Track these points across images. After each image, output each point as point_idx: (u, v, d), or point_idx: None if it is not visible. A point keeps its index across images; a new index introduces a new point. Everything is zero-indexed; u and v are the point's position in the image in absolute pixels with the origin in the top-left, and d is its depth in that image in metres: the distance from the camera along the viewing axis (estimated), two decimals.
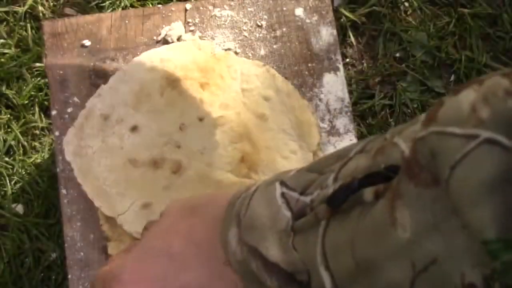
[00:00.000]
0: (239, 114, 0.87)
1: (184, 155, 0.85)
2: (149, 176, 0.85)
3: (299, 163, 0.85)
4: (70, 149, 0.85)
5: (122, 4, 1.31)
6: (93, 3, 1.32)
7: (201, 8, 0.96)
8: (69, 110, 0.92)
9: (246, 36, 0.95)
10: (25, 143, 1.23)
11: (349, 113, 0.93)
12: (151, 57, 0.90)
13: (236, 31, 0.95)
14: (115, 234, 0.83)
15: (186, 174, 0.85)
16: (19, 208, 1.19)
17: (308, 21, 0.96)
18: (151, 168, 0.85)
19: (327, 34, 0.96)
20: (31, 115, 1.25)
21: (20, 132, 1.23)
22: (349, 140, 0.92)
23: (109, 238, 0.84)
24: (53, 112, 0.92)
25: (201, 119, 0.87)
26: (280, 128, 0.87)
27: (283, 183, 0.51)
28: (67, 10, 1.33)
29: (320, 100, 0.93)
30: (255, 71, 0.90)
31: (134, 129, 0.86)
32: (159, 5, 0.98)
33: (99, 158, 0.85)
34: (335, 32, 0.96)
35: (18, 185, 1.20)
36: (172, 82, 0.89)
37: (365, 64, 1.32)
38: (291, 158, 0.86)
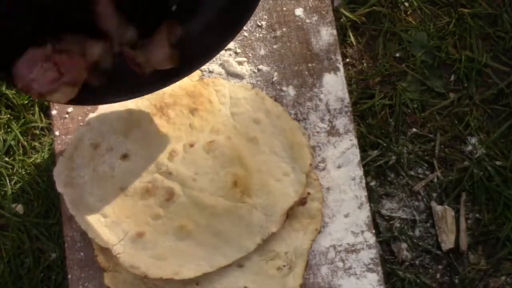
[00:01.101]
0: (230, 138, 0.87)
1: (176, 182, 0.86)
2: (141, 205, 0.85)
3: (292, 185, 0.86)
4: (61, 180, 0.85)
5: None
6: None
7: None
8: (69, 110, 0.92)
9: (246, 36, 0.95)
10: (25, 143, 1.23)
11: (349, 113, 0.93)
12: None
13: None
14: (110, 264, 0.83)
15: (179, 201, 0.85)
16: (19, 208, 1.19)
17: (308, 21, 0.96)
18: (143, 196, 0.85)
19: (327, 34, 0.96)
20: (31, 115, 1.25)
21: (20, 132, 1.23)
22: (349, 140, 0.92)
23: (104, 268, 0.83)
24: (53, 112, 0.92)
25: (191, 145, 0.87)
26: (271, 151, 0.87)
27: None
28: None
29: (320, 100, 0.93)
30: (244, 94, 0.90)
31: (124, 157, 0.87)
32: None
33: (91, 187, 0.85)
34: (335, 32, 0.96)
35: (18, 185, 1.20)
36: (161, 109, 0.89)
37: (365, 64, 1.32)
38: (284, 181, 0.86)
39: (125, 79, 0.73)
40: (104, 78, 0.70)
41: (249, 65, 0.94)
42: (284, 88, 0.94)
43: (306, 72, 0.95)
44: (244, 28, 0.96)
